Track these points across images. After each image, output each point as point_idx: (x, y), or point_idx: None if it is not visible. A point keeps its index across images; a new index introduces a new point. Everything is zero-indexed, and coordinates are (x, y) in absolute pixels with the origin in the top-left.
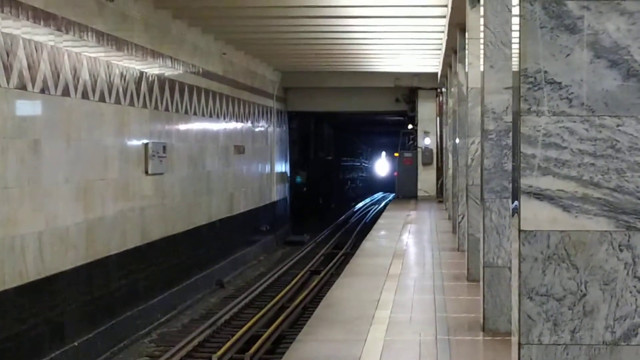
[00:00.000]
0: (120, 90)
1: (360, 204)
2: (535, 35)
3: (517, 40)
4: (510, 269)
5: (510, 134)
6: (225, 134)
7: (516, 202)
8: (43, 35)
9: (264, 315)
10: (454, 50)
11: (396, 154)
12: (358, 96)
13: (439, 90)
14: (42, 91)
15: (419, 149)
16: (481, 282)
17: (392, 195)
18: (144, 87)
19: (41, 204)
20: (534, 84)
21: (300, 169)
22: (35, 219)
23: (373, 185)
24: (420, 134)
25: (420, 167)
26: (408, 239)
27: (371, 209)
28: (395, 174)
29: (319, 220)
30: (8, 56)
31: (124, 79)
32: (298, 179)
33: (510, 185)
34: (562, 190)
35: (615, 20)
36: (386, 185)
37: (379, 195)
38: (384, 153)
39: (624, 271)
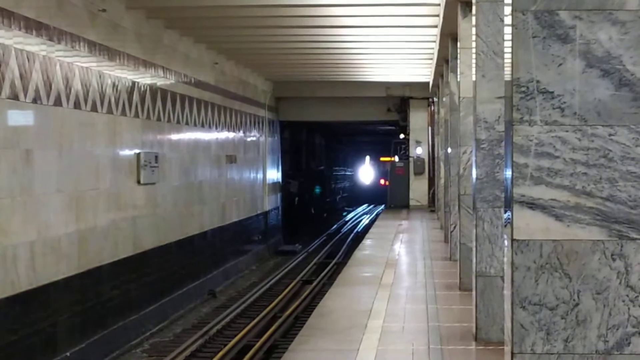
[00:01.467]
0: (112, 100)
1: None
2: (528, 44)
3: (509, 49)
4: (502, 278)
5: (503, 144)
6: (217, 144)
7: (509, 212)
8: (35, 45)
9: (256, 325)
10: (445, 60)
11: (384, 159)
12: (350, 106)
13: (430, 99)
14: (34, 101)
15: (410, 159)
16: (474, 292)
17: (380, 208)
18: (136, 96)
19: (33, 213)
20: (526, 94)
21: (292, 179)
22: (27, 229)
23: (356, 196)
24: (412, 143)
25: (412, 176)
26: (400, 248)
27: (363, 218)
28: (383, 182)
29: (311, 230)
30: (0, 66)
31: (116, 89)
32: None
33: (503, 195)
34: (555, 199)
35: (608, 30)
36: (372, 196)
37: (362, 210)
38: (367, 158)
39: (617, 280)
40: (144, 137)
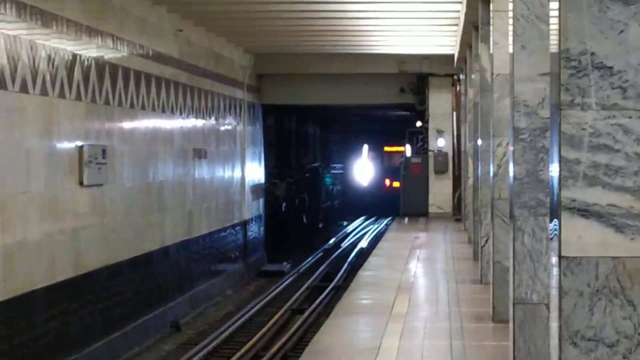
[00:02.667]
0: (48, 78)
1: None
2: (580, 7)
3: (556, 13)
4: (548, 306)
5: (548, 134)
6: (182, 134)
7: (556, 221)
8: None
9: None
10: (475, 26)
11: (390, 149)
12: (352, 85)
13: (455, 77)
14: None
15: (430, 153)
16: (511, 324)
17: (385, 223)
18: (77, 74)
19: None
20: (578, 69)
21: (278, 179)
22: None
23: (348, 204)
24: (431, 133)
25: (432, 176)
26: (416, 268)
27: (369, 229)
28: (388, 182)
29: (303, 244)
30: None
31: (53, 64)
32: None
33: (548, 199)
34: (615, 205)
35: None
36: (373, 204)
37: (359, 225)
38: (365, 147)
39: None
40: (88, 126)
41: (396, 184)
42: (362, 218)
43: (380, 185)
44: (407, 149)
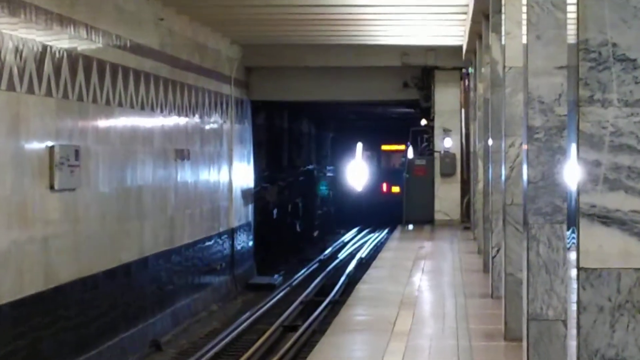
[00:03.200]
0: (15, 71)
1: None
2: None
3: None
4: (565, 322)
5: (565, 133)
6: (163, 134)
7: (574, 229)
8: None
9: None
10: (485, 15)
11: (388, 147)
12: (350, 79)
13: (464, 71)
14: None
15: (436, 154)
16: (524, 342)
17: (382, 235)
18: (48, 67)
19: None
20: (598, 62)
21: (269, 182)
22: None
23: (339, 213)
24: (437, 132)
25: (437, 179)
26: (421, 281)
27: (369, 238)
28: (385, 187)
29: (296, 254)
30: None
31: (20, 56)
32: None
33: (566, 205)
34: (639, 211)
35: None
36: (369, 213)
37: (350, 239)
38: (359, 146)
39: None
40: (59, 124)
41: (395, 189)
42: (355, 230)
43: (377, 190)
44: (410, 151)
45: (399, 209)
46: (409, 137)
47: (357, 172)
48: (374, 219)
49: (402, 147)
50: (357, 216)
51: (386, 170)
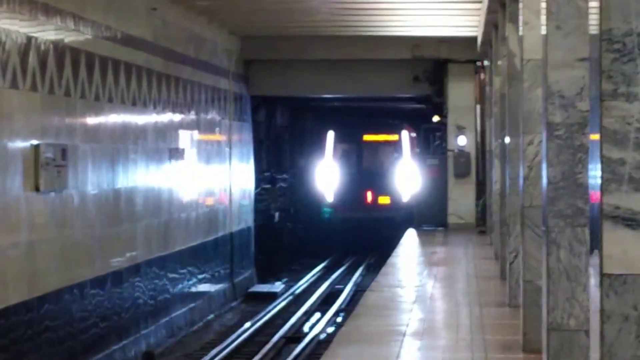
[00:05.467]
0: None
1: None
2: None
3: None
4: (587, 332)
5: (587, 130)
6: (157, 131)
7: (598, 232)
8: None
9: None
10: (501, 4)
11: (372, 137)
12: (357, 73)
13: (479, 64)
14: None
15: (449, 154)
16: (544, 354)
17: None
18: (32, 60)
19: None
20: (622, 54)
21: (271, 184)
22: None
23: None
24: (451, 130)
25: (451, 180)
26: (433, 288)
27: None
28: (371, 197)
29: (299, 260)
30: None
31: (3, 48)
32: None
33: (588, 207)
34: None
35: None
36: (344, 237)
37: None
38: (330, 137)
39: None
40: (45, 122)
41: (384, 200)
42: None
43: (357, 201)
44: (404, 139)
45: (391, 230)
46: (403, 123)
47: (327, 176)
48: (353, 246)
49: (396, 137)
50: (328, 242)
51: (371, 170)
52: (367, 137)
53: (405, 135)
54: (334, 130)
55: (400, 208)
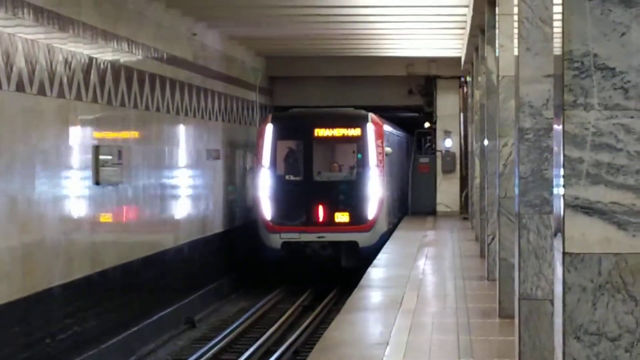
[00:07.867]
0: (65, 80)
1: None
2: (583, 9)
3: (559, 16)
4: (552, 301)
5: (552, 134)
6: (195, 135)
7: (559, 219)
8: None
9: None
10: (481, 29)
11: (323, 132)
12: (362, 87)
13: (462, 79)
14: None
15: (438, 153)
16: (516, 319)
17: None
18: (94, 76)
19: None
20: (581, 71)
21: None
22: None
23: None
24: (439, 134)
25: (439, 175)
26: (425, 265)
27: None
28: (322, 214)
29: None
30: None
31: (69, 67)
32: None
33: (552, 198)
34: (617, 202)
35: None
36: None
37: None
38: (268, 132)
39: None
40: (104, 127)
41: (342, 216)
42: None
43: (305, 219)
44: (370, 134)
45: (352, 259)
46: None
47: (262, 186)
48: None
49: (357, 132)
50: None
51: (323, 177)
52: (320, 132)
53: (371, 128)
54: (274, 124)
55: (364, 229)
